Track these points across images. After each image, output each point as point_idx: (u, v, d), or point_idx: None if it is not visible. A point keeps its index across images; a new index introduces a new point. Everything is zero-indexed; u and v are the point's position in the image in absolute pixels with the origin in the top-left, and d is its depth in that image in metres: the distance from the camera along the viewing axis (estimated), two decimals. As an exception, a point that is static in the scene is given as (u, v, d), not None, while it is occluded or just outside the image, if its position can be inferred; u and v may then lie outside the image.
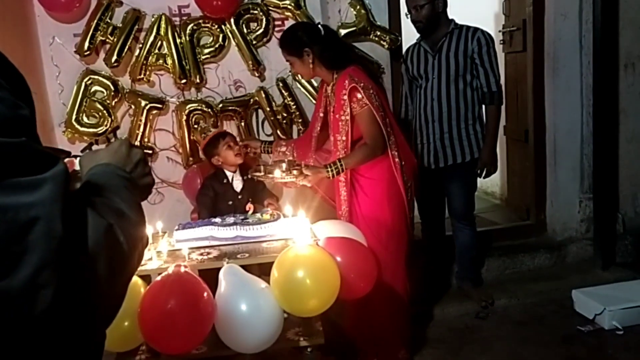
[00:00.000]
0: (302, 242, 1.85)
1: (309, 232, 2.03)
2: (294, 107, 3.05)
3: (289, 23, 2.94)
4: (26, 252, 0.52)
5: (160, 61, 2.90)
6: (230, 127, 3.04)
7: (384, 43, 3.12)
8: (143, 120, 2.92)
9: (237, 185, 2.57)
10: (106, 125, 2.88)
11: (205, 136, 2.60)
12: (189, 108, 2.94)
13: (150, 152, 2.96)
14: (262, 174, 2.32)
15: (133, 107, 2.94)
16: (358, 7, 3.04)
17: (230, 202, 2.53)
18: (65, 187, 0.57)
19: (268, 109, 3.03)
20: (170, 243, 2.14)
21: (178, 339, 1.69)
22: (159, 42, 2.88)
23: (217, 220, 2.19)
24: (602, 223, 3.45)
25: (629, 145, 3.56)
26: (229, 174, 2.57)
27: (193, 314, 1.69)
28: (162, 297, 1.68)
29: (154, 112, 2.95)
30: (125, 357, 1.89)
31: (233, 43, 2.98)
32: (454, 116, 2.89)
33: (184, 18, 2.94)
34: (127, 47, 2.84)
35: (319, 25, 2.49)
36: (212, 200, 2.53)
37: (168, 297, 1.68)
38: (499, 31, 4.00)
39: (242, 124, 3.03)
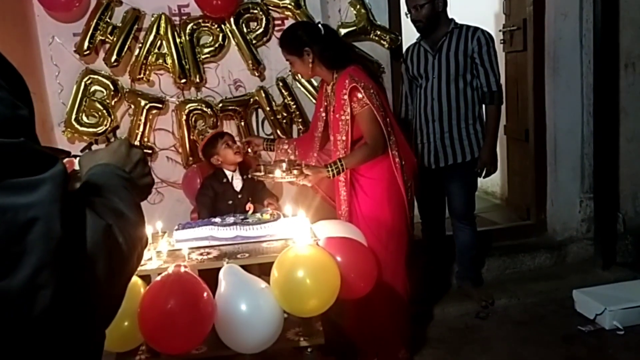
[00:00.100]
0: (302, 242, 1.85)
1: (309, 232, 2.03)
2: (294, 106, 3.05)
3: (289, 22, 2.94)
4: (25, 253, 0.52)
5: (160, 61, 2.90)
6: (230, 126, 3.04)
7: (384, 42, 3.12)
8: (143, 120, 2.92)
9: (237, 184, 2.57)
10: (106, 125, 2.88)
11: (204, 138, 2.60)
12: (189, 108, 2.94)
13: (150, 151, 2.96)
14: (262, 173, 2.32)
15: (133, 106, 2.93)
16: (358, 6, 3.04)
17: (230, 202, 2.53)
18: (64, 188, 0.57)
19: (268, 108, 3.03)
20: (170, 243, 2.14)
21: (178, 339, 1.68)
22: (159, 42, 2.88)
23: (217, 220, 2.19)
24: (603, 223, 3.44)
25: (630, 145, 3.56)
26: (228, 173, 2.57)
27: (193, 314, 1.69)
28: (162, 297, 1.68)
29: (154, 111, 2.95)
30: (125, 357, 1.89)
31: (233, 42, 2.98)
32: (454, 116, 2.89)
33: (184, 17, 2.94)
34: (126, 46, 2.84)
35: (319, 25, 2.49)
36: (212, 200, 2.53)
37: (168, 297, 1.67)
38: (499, 30, 3.99)
39: (242, 123, 3.03)
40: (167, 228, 2.26)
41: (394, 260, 2.42)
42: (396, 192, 2.41)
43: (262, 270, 2.03)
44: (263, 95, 3.02)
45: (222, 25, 2.94)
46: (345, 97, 2.29)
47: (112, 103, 2.90)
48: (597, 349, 2.62)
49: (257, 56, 3.00)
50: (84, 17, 2.84)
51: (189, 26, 2.90)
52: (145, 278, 1.93)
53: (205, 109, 2.95)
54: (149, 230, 1.97)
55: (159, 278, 1.75)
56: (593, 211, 3.52)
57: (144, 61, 2.87)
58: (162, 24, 2.86)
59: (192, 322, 1.68)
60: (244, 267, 1.88)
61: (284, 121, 3.06)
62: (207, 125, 2.94)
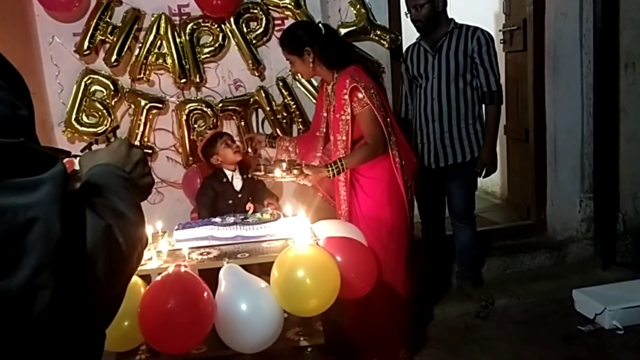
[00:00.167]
0: (302, 242, 1.85)
1: (309, 232, 2.03)
2: (294, 106, 3.05)
3: (289, 22, 2.93)
4: (25, 253, 0.52)
5: (160, 60, 2.90)
6: (230, 126, 3.04)
7: (384, 42, 3.11)
8: (143, 120, 2.92)
9: (237, 184, 2.57)
10: (106, 125, 2.88)
11: (202, 139, 2.61)
12: (189, 107, 2.94)
13: (150, 151, 2.96)
14: (263, 173, 2.32)
15: (133, 106, 2.93)
16: (358, 6, 3.04)
17: (230, 201, 2.53)
18: (64, 188, 0.57)
19: (268, 108, 3.03)
20: (170, 243, 2.14)
21: (178, 339, 1.69)
22: (159, 42, 2.88)
23: (217, 220, 2.19)
24: (603, 222, 3.44)
25: (630, 145, 3.56)
26: (228, 173, 2.57)
27: (193, 314, 1.69)
28: (162, 297, 1.68)
29: (154, 111, 2.94)
30: (125, 357, 1.89)
31: (233, 42, 2.98)
32: (454, 115, 2.89)
33: (184, 17, 2.94)
34: (126, 46, 2.84)
35: (320, 25, 2.49)
36: (212, 200, 2.53)
37: (168, 297, 1.67)
38: (499, 30, 3.99)
39: (242, 123, 3.03)
40: (167, 228, 2.26)
41: (394, 260, 2.42)
42: (396, 192, 2.41)
43: (262, 270, 2.03)
44: (263, 95, 3.02)
45: (222, 25, 2.94)
46: (346, 97, 2.29)
47: (112, 103, 2.90)
48: (597, 349, 2.62)
49: (257, 56, 3.00)
50: (84, 17, 2.84)
51: (189, 26, 2.90)
52: (146, 278, 1.93)
53: (205, 108, 2.95)
54: (149, 230, 1.97)
55: (159, 278, 1.75)
56: (593, 211, 3.52)
57: (144, 61, 2.87)
58: (162, 24, 2.86)
59: (192, 322, 1.68)
60: (244, 267, 1.88)
61: (284, 121, 3.06)
62: (207, 125, 2.94)
